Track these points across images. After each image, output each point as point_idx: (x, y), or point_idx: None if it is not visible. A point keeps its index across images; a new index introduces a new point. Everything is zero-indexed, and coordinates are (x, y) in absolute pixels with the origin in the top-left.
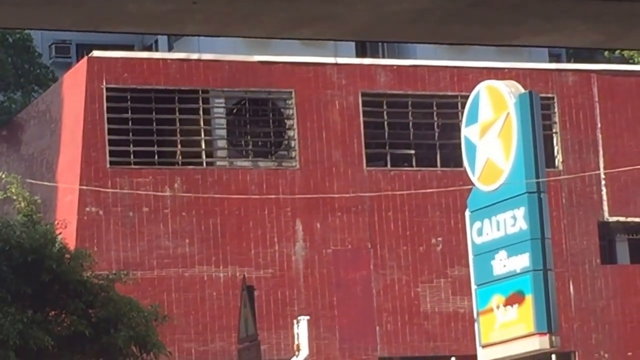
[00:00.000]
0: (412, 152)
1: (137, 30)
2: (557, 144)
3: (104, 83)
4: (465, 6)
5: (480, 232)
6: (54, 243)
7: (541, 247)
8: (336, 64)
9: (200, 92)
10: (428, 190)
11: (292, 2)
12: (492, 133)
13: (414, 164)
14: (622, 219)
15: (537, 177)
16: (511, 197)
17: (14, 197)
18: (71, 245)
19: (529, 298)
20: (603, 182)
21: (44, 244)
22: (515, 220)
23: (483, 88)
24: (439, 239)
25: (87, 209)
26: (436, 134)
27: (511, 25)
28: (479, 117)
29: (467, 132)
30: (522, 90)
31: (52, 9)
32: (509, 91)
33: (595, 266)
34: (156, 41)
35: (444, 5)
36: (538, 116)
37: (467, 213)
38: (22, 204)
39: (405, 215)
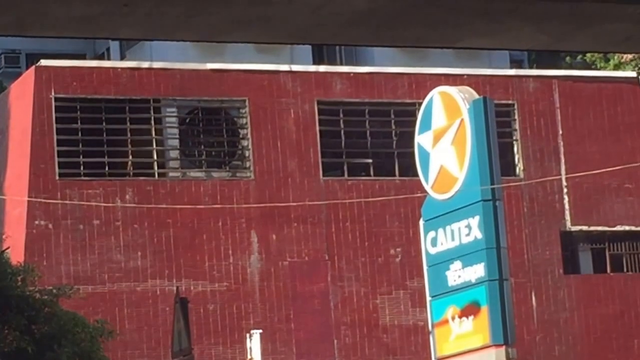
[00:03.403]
0: (370, 161)
1: (67, 35)
2: (517, 152)
3: (53, 93)
4: (405, 7)
5: (435, 242)
6: None
7: (497, 257)
8: (291, 72)
9: (151, 102)
10: (385, 198)
11: (226, 5)
12: (446, 140)
13: (371, 173)
14: (584, 228)
15: (493, 184)
16: (466, 206)
17: None
18: (20, 259)
19: (484, 309)
20: (565, 191)
21: None
22: (470, 230)
23: (436, 94)
24: (398, 249)
25: (36, 222)
26: (394, 143)
27: (454, 27)
28: (432, 124)
29: (420, 139)
30: (476, 96)
31: None
32: (463, 97)
33: (557, 277)
34: (108, 49)
35: (384, 6)
36: (492, 122)
37: (421, 222)
38: None
39: (363, 226)
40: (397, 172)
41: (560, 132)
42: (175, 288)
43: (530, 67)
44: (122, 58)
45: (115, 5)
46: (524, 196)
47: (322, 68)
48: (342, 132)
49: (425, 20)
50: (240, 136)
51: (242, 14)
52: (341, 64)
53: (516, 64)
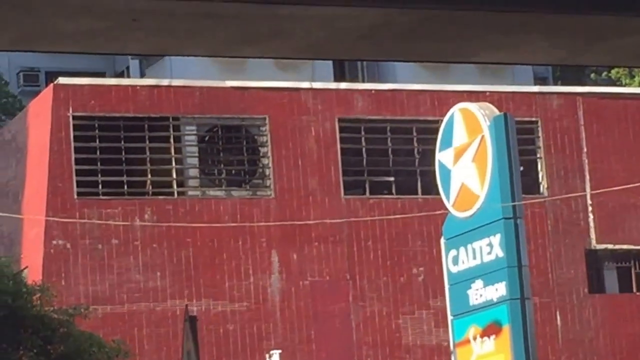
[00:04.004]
0: (392, 179)
1: (74, 50)
2: (541, 170)
3: (71, 111)
4: (419, 21)
5: (456, 260)
6: (9, 277)
7: (518, 275)
8: (311, 89)
9: (170, 120)
10: (407, 216)
11: (236, 20)
12: (467, 157)
13: (393, 191)
14: (610, 246)
15: (514, 202)
16: (487, 224)
17: None
18: (38, 279)
19: (506, 328)
20: (590, 209)
21: None
22: (491, 248)
23: (457, 111)
24: (421, 268)
25: (54, 241)
26: (416, 161)
27: (469, 42)
28: (453, 141)
29: (441, 157)
30: (497, 113)
31: None
32: (484, 114)
33: (582, 296)
34: (127, 67)
35: (398, 20)
36: (513, 139)
37: (443, 241)
38: None
39: (385, 245)
40: (419, 191)
41: (585, 149)
42: (185, 306)
43: (555, 84)
44: (142, 76)
45: (124, 20)
46: (549, 214)
47: (343, 85)
48: (364, 150)
49: (439, 35)
50: (261, 154)
51: (253, 29)
52: (363, 80)
53: (540, 80)
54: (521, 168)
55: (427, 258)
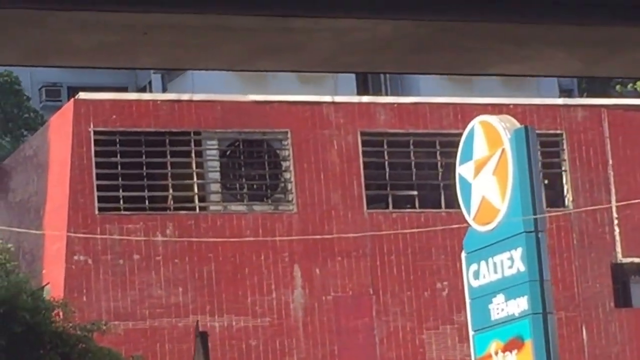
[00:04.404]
0: (415, 193)
1: (87, 64)
2: (566, 183)
3: (92, 126)
4: (432, 33)
5: (477, 274)
6: (28, 293)
7: (540, 289)
8: (333, 103)
9: (192, 134)
10: (431, 229)
11: (248, 33)
12: (487, 170)
13: (416, 205)
14: (636, 259)
15: (535, 215)
16: (508, 238)
17: None
18: (59, 295)
19: (528, 343)
20: (615, 222)
21: (17, 294)
22: (512, 262)
23: (477, 124)
24: (445, 283)
25: (76, 257)
26: (440, 174)
27: (483, 53)
28: (474, 154)
29: (462, 170)
30: (518, 125)
31: None
32: (504, 126)
33: (609, 310)
34: (150, 82)
35: (411, 32)
36: (535, 152)
37: (463, 255)
38: None
39: (409, 259)
40: (443, 204)
41: (610, 162)
42: (195, 322)
43: (580, 96)
44: (164, 90)
45: (135, 33)
46: (574, 228)
47: (366, 98)
48: (387, 163)
49: (453, 46)
50: (283, 168)
51: (265, 42)
52: (386, 94)
53: (565, 93)
54: (545, 181)
55: (451, 272)
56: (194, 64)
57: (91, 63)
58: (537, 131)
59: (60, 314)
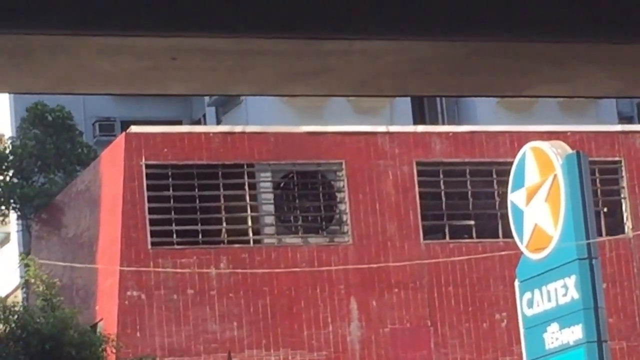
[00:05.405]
0: (472, 222)
1: (116, 91)
2: (626, 210)
3: (143, 159)
4: (469, 54)
5: (531, 303)
6: (74, 328)
7: (594, 318)
8: (388, 133)
9: (245, 166)
10: (488, 254)
11: (280, 57)
12: (539, 197)
13: (474, 235)
14: None
15: (588, 241)
16: (561, 265)
17: (32, 281)
18: (113, 331)
19: None
20: None
21: (63, 330)
22: (566, 290)
23: (528, 150)
24: (503, 313)
25: (129, 292)
26: (497, 203)
27: (522, 74)
28: (525, 181)
29: (514, 197)
30: (569, 151)
31: (21, 71)
32: (555, 152)
33: None
34: (204, 115)
35: (446, 54)
36: (587, 177)
37: (517, 283)
38: (41, 288)
39: (467, 290)
40: (500, 234)
41: None
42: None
43: None
44: (219, 123)
45: (164, 59)
46: (634, 256)
47: (420, 128)
48: (443, 193)
49: (490, 68)
50: (337, 200)
51: (297, 66)
52: (443, 123)
53: (625, 120)
54: (605, 209)
55: (509, 303)
56: (225, 90)
57: (120, 90)
58: (596, 158)
59: (109, 349)
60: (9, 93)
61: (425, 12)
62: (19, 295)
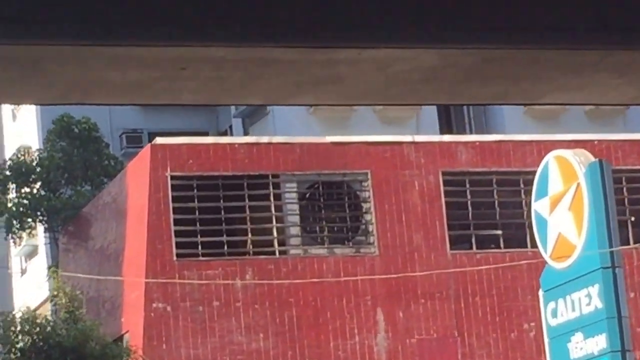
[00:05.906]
0: (499, 232)
1: (126, 102)
2: None
3: (168, 171)
4: (480, 62)
5: (555, 313)
6: (96, 340)
7: (618, 327)
8: (414, 142)
9: (270, 177)
10: (516, 263)
11: (289, 67)
12: (563, 206)
13: (501, 245)
14: None
15: (612, 250)
16: (585, 274)
17: (55, 293)
18: (139, 343)
19: None
20: None
21: (84, 342)
22: (590, 299)
23: (551, 159)
24: (532, 324)
25: (154, 304)
26: (524, 213)
27: (535, 82)
28: (549, 189)
29: (537, 206)
30: (592, 159)
31: (31, 82)
32: (578, 160)
33: None
34: (230, 126)
35: (457, 62)
36: (610, 186)
37: (541, 293)
38: (64, 300)
39: (494, 300)
40: (528, 244)
41: None
42: None
43: None
44: (245, 134)
45: (173, 69)
46: None
47: (446, 138)
48: (469, 203)
49: (503, 76)
50: (363, 210)
51: (306, 75)
52: (470, 132)
53: None
54: (632, 218)
55: (537, 313)
56: (236, 99)
57: (130, 100)
58: (623, 167)
59: None
60: (19, 104)
61: (435, 20)
62: (48, 308)
